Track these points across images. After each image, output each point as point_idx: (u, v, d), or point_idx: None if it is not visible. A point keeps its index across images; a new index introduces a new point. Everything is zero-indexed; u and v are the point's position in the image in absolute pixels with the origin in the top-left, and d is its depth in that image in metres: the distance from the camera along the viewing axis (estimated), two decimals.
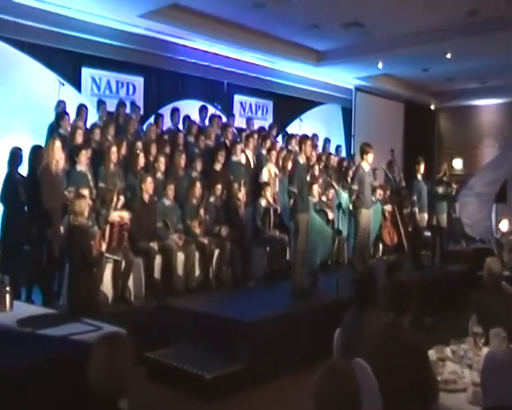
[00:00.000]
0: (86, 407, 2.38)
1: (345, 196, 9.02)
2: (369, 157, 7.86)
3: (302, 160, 7.15)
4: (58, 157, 6.45)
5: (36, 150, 6.74)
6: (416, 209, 9.14)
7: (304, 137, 7.44)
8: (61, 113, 7.88)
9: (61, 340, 3.78)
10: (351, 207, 8.27)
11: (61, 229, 6.25)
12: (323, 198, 9.57)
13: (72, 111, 8.17)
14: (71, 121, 7.89)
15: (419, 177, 9.27)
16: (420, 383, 3.15)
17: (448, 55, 10.70)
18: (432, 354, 3.88)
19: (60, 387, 3.11)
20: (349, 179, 8.91)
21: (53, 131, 7.56)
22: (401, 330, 3.32)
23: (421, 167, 9.27)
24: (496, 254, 8.42)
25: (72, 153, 7.20)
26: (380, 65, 11.43)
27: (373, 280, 4.23)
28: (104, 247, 5.85)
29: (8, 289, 4.59)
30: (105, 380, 2.33)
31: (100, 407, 2.34)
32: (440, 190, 9.28)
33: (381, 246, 10.39)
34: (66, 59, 9.08)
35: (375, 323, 3.65)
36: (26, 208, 6.63)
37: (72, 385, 2.75)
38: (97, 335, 2.96)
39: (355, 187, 7.89)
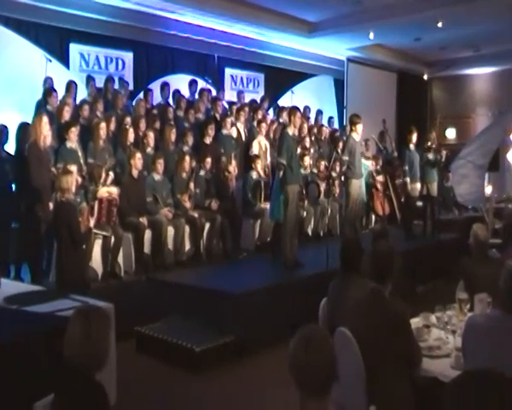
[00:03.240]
0: (63, 381, 2.38)
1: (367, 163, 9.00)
2: (359, 128, 7.83)
3: (291, 131, 7.10)
4: (45, 133, 6.41)
5: (23, 127, 6.70)
6: (408, 179, 9.12)
7: (293, 109, 7.36)
8: (48, 89, 7.80)
9: (45, 316, 3.80)
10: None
11: (50, 205, 6.22)
12: (315, 170, 9.56)
13: (61, 88, 8.10)
14: (59, 98, 7.83)
15: (411, 146, 9.23)
16: (402, 350, 3.17)
17: (439, 24, 10.57)
18: (418, 321, 3.91)
19: (42, 361, 3.13)
20: (339, 150, 8.87)
21: (40, 107, 7.50)
22: (382, 299, 3.32)
23: (414, 137, 9.22)
24: (486, 222, 8.46)
25: (60, 130, 7.17)
26: (371, 35, 11.29)
27: (358, 249, 4.23)
28: (92, 223, 5.83)
29: None
30: (79, 353, 2.33)
31: (75, 380, 2.34)
32: (429, 157, 9.22)
33: (373, 217, 10.41)
34: (53, 35, 9.00)
35: (360, 292, 3.65)
36: (13, 186, 6.62)
37: (52, 359, 2.76)
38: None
39: (345, 158, 7.89)
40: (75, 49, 9.33)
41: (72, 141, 6.94)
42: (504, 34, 11.44)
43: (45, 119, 6.45)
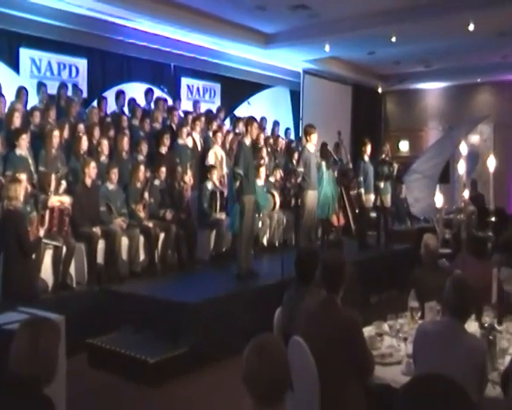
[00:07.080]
0: (8, 396, 2.29)
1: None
2: (313, 138, 7.91)
3: (248, 141, 7.11)
4: None
5: None
6: (362, 190, 9.26)
7: (250, 119, 7.39)
8: None
9: None
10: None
11: None
12: (271, 179, 9.60)
13: (10, 94, 7.88)
14: (7, 104, 7.62)
15: (366, 158, 9.40)
16: (355, 358, 3.20)
17: (393, 39, 10.80)
18: (371, 329, 3.97)
19: None
20: (295, 162, 8.94)
21: None
22: (335, 308, 3.35)
23: (368, 149, 9.40)
24: (437, 232, 8.65)
25: (10, 136, 6.97)
26: (327, 48, 11.43)
27: (313, 259, 4.24)
28: (42, 232, 5.67)
29: None
30: (26, 366, 2.26)
31: (21, 395, 2.26)
32: (383, 170, 9.42)
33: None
34: (1, 39, 8.68)
35: (314, 302, 3.67)
36: None
37: None
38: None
39: (300, 169, 7.95)
40: (26, 54, 9.05)
41: (23, 148, 6.76)
42: (454, 52, 11.83)
43: None
